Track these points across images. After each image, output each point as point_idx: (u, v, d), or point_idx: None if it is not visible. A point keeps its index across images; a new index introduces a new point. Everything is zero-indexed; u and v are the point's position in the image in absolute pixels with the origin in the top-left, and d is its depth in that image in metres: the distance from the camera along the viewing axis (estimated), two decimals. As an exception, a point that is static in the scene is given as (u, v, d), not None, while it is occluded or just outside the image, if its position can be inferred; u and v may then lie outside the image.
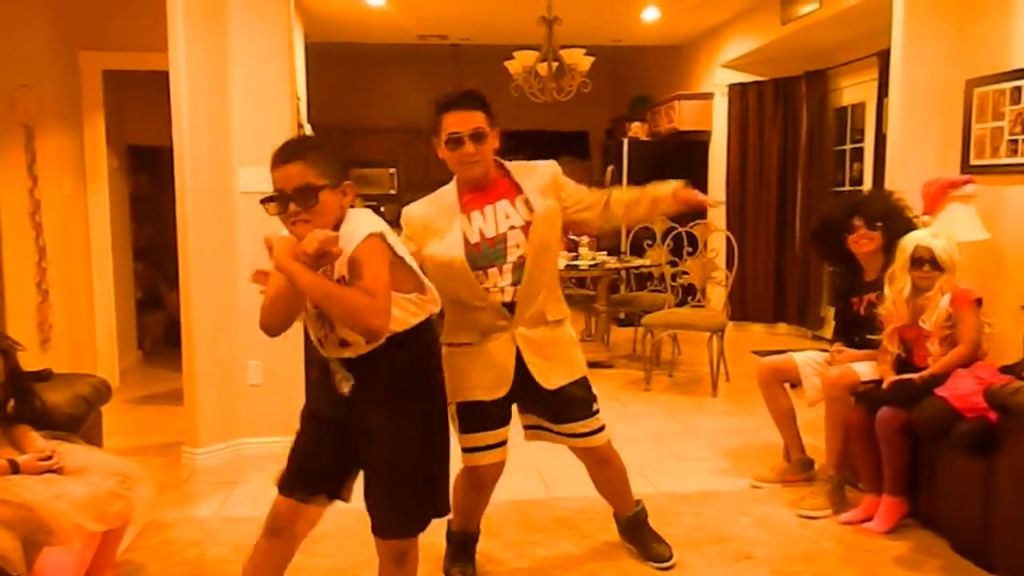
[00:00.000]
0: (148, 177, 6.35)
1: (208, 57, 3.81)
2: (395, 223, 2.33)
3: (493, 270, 2.49)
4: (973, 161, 4.02)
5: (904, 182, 4.08)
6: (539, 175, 2.59)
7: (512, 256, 2.49)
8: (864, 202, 3.48)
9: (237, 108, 3.89)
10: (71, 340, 4.93)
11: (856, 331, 3.44)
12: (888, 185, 4.44)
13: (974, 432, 2.75)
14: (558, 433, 2.64)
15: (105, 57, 5.02)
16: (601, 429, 2.65)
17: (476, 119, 2.44)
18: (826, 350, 3.56)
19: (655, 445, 4.16)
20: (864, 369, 3.27)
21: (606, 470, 2.77)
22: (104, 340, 5.24)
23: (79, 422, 2.97)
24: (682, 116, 7.53)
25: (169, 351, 5.71)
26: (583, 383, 2.63)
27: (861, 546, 2.95)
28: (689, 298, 5.50)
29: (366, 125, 9.80)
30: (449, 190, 2.56)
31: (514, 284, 2.48)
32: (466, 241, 2.48)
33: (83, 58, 4.99)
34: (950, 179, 3.82)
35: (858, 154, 6.35)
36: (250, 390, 3.97)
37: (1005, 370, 3.02)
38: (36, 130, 4.67)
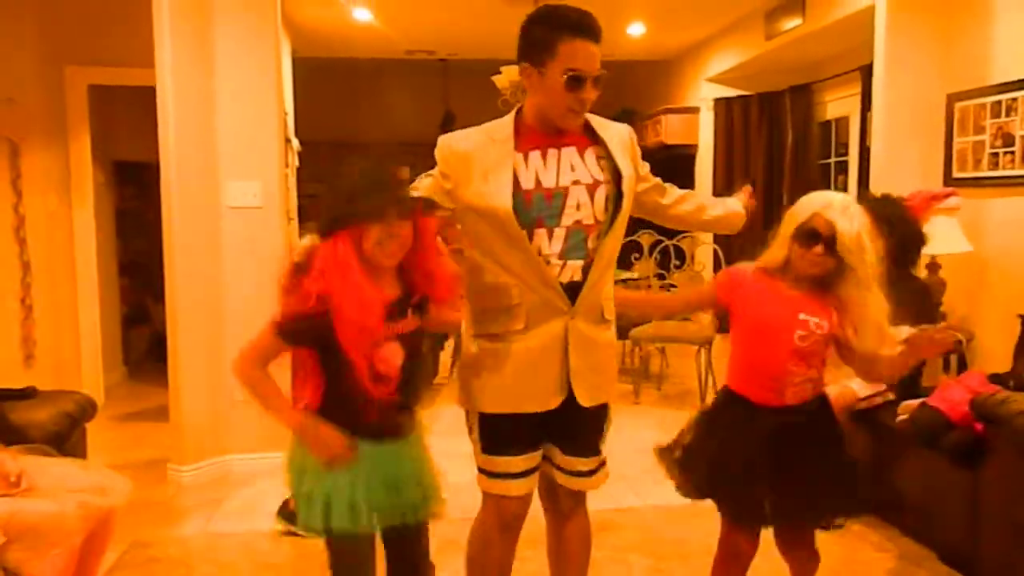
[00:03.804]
0: (135, 192, 6.33)
1: (195, 72, 3.81)
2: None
3: (541, 232, 1.93)
4: (956, 174, 4.06)
5: (888, 195, 4.12)
6: (616, 132, 2.07)
7: (567, 220, 1.94)
8: (870, 206, 3.39)
9: (223, 123, 3.88)
10: (55, 356, 4.88)
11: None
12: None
13: (962, 442, 2.77)
14: (557, 467, 2.09)
15: (91, 72, 5.00)
16: (599, 470, 2.12)
17: (599, 58, 1.91)
18: None
19: (643, 458, 4.11)
20: (859, 385, 3.20)
21: (574, 536, 2.17)
22: (89, 356, 5.20)
23: (63, 439, 2.94)
24: (669, 130, 7.58)
25: (155, 366, 5.66)
26: (606, 410, 2.12)
27: (851, 558, 2.95)
28: (677, 311, 5.52)
29: (354, 139, 9.79)
30: (504, 122, 2.03)
31: (563, 257, 1.94)
32: (517, 185, 1.93)
33: (69, 73, 4.97)
34: (933, 192, 3.85)
35: (843, 167, 6.40)
36: (237, 406, 3.94)
37: (994, 379, 3.04)
38: (21, 145, 4.65)
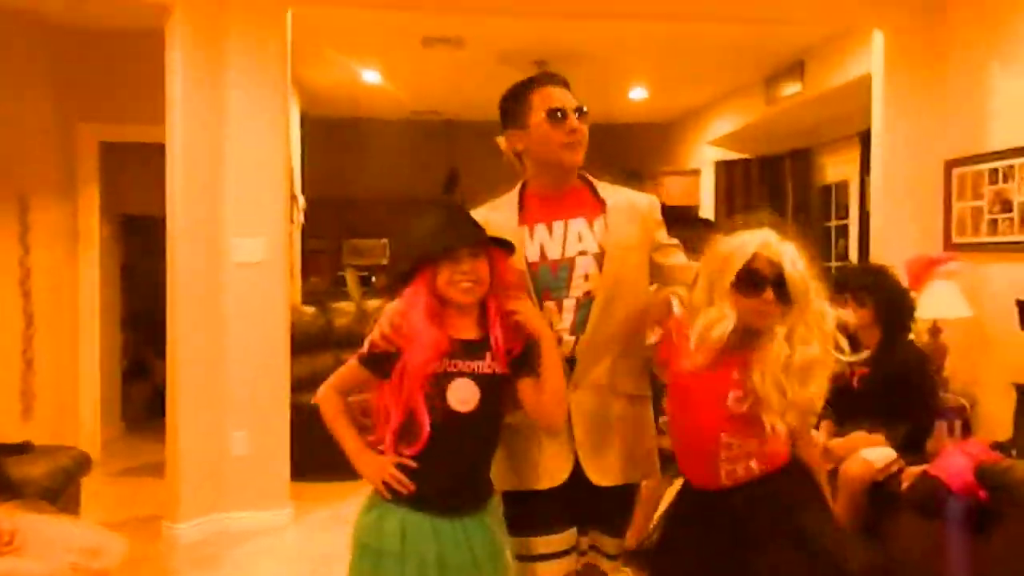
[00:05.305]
0: (142, 245, 6.37)
1: (205, 130, 3.88)
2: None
3: (550, 304, 1.91)
4: (955, 239, 4.09)
5: (888, 259, 4.13)
6: (627, 200, 2.02)
7: (577, 291, 1.91)
8: (851, 276, 3.37)
9: (231, 179, 3.94)
10: (54, 409, 4.85)
11: (848, 405, 3.23)
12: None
13: (967, 511, 2.73)
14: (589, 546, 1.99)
15: (102, 129, 5.08)
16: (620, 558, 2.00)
17: (572, 98, 1.96)
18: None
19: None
20: (876, 455, 3.06)
21: None
22: (87, 410, 5.16)
23: (57, 495, 2.91)
24: (670, 192, 7.65)
25: (153, 422, 5.62)
26: (632, 492, 2.02)
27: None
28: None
29: (359, 197, 9.91)
30: (511, 196, 2.02)
31: (575, 331, 1.91)
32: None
33: (80, 129, 5.05)
34: (933, 256, 3.87)
35: (843, 231, 6.45)
36: (235, 461, 3.90)
37: (996, 447, 3.01)
38: (31, 200, 4.70)
